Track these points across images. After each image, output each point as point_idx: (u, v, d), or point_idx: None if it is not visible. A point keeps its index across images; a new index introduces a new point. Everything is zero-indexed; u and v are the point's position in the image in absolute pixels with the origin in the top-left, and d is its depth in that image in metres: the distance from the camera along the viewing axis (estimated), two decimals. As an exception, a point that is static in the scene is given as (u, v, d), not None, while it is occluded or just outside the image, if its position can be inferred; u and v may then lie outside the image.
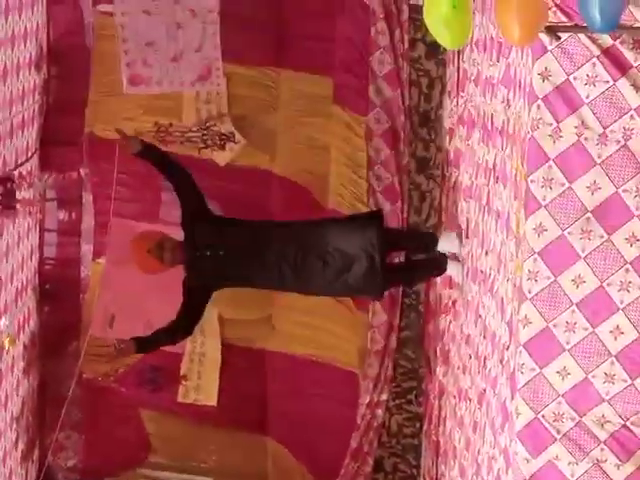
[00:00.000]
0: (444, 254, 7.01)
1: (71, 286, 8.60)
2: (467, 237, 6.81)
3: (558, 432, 5.17)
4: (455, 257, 6.95)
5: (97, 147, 8.33)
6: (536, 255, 5.07)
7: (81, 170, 8.45)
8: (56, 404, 8.41)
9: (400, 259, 7.65)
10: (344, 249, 6.58)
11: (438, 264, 7.07)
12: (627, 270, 5.03)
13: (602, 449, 5.15)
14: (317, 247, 6.60)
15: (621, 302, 5.06)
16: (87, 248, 8.54)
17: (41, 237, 8.47)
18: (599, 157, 4.97)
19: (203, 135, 8.16)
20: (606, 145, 4.96)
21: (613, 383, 5.12)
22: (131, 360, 8.37)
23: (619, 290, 5.05)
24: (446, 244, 7.01)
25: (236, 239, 6.66)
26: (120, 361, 8.17)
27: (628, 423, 5.13)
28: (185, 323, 6.74)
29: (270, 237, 6.68)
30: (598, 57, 4.87)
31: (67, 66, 8.27)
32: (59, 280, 8.59)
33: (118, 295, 8.29)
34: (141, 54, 8.07)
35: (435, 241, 7.09)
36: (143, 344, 6.60)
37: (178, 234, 6.74)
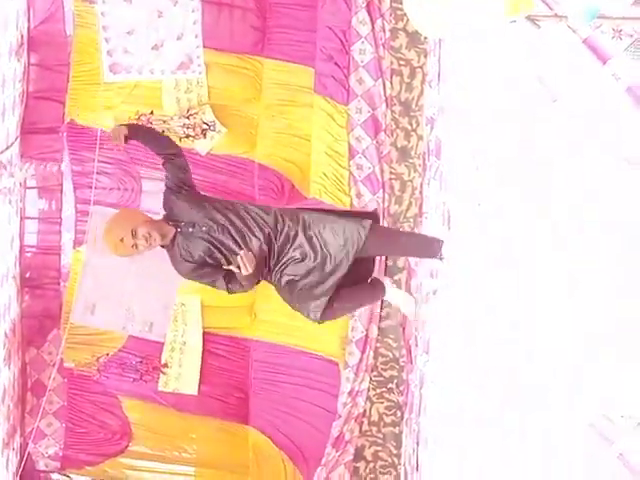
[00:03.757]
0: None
1: (52, 274, 8.58)
2: (449, 228, 6.82)
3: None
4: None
5: (78, 135, 8.32)
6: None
7: (62, 158, 8.43)
8: (37, 392, 8.43)
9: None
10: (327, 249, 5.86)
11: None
12: None
13: None
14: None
15: None
16: (68, 236, 8.53)
17: (22, 225, 8.45)
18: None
19: (184, 124, 8.14)
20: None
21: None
22: (112, 349, 8.40)
23: None
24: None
25: (221, 218, 5.86)
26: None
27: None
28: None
29: (252, 221, 6.19)
30: (578, 46, 4.89)
31: (47, 54, 8.24)
32: (40, 268, 8.57)
33: (99, 283, 8.28)
34: (122, 42, 8.04)
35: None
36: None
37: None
